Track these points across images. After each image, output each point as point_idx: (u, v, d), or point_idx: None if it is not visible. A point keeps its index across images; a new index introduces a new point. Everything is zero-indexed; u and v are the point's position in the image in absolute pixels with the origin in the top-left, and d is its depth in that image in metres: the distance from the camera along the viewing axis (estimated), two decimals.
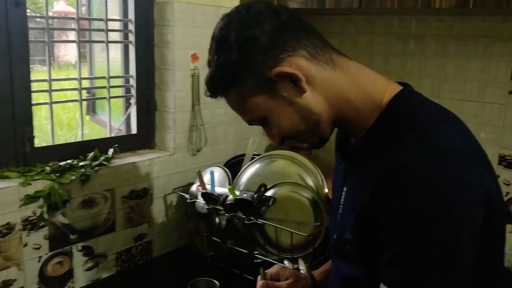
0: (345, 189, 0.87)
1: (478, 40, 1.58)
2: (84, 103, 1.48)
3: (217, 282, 1.25)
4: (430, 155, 0.69)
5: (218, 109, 1.72)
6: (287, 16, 0.79)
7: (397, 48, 1.76)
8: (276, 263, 1.34)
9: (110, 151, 1.45)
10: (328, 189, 1.42)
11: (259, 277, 1.10)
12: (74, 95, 1.45)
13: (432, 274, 0.67)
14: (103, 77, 1.53)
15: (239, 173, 1.48)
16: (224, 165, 1.66)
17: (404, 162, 0.69)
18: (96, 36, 1.70)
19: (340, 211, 0.88)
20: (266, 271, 1.11)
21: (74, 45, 1.44)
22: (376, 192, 0.72)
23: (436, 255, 0.67)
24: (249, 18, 0.77)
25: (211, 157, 1.72)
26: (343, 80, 0.81)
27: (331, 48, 0.82)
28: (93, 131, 2.19)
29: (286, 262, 1.35)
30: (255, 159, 1.49)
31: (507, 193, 1.57)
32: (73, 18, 1.41)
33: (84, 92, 1.47)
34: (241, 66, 0.78)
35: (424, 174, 0.68)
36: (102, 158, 1.41)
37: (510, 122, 1.55)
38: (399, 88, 0.82)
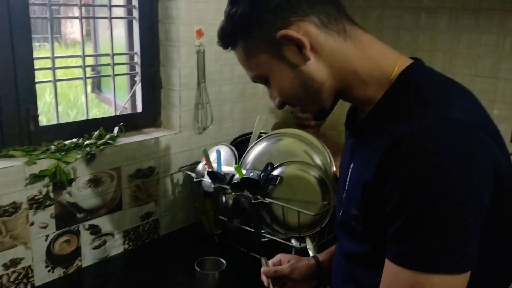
0: (352, 165, 0.85)
1: (492, 13, 1.52)
2: (89, 81, 1.46)
3: (223, 261, 1.25)
4: (434, 127, 0.67)
5: (224, 87, 1.69)
6: None
7: (408, 22, 1.71)
8: (282, 242, 1.34)
9: (115, 129, 1.44)
10: (336, 168, 1.40)
11: (262, 268, 1.09)
12: (79, 72, 1.43)
13: (437, 247, 0.65)
14: (107, 54, 1.50)
15: (245, 152, 1.46)
16: (231, 144, 1.64)
17: (408, 134, 0.68)
18: (100, 13, 1.67)
19: (346, 188, 0.86)
20: (268, 260, 1.10)
21: (78, 22, 1.41)
22: (380, 166, 0.71)
23: (441, 228, 0.65)
24: None
25: (217, 135, 1.70)
26: (352, 51, 0.78)
27: (347, 19, 0.80)
28: (102, 110, 2.18)
29: (293, 241, 1.34)
30: (262, 137, 1.47)
31: None
32: None
33: (88, 69, 1.44)
34: (250, 20, 0.77)
35: (428, 146, 0.65)
36: (108, 137, 1.39)
37: None
38: (410, 62, 0.79)
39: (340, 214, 0.88)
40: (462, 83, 0.79)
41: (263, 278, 1.09)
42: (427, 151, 0.65)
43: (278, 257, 1.11)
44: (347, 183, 0.86)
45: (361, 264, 0.84)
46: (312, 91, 0.80)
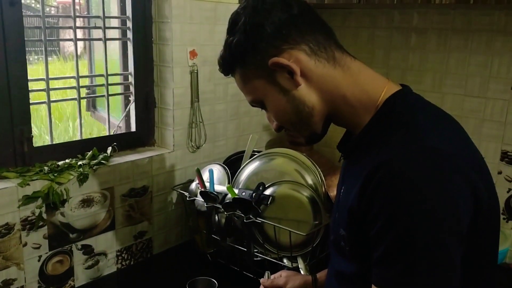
0: (343, 187, 0.88)
1: (480, 34, 1.55)
2: (84, 99, 1.47)
3: (215, 282, 1.25)
4: (414, 153, 0.70)
5: (218, 105, 1.71)
6: (298, 10, 0.82)
7: (399, 42, 1.74)
8: (274, 262, 1.35)
9: (109, 149, 1.45)
10: (327, 187, 1.41)
11: (262, 279, 1.13)
12: (73, 93, 1.45)
13: (419, 273, 0.67)
14: (102, 75, 1.52)
15: (238, 171, 1.48)
16: (224, 162, 1.65)
17: (387, 161, 0.70)
18: (95, 33, 1.69)
19: (337, 209, 0.89)
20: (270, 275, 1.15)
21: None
22: (362, 191, 0.73)
23: (422, 254, 0.67)
24: (261, 6, 0.81)
25: (211, 154, 1.72)
26: (341, 77, 0.82)
27: (336, 47, 0.84)
28: (96, 128, 2.19)
29: (285, 260, 1.35)
30: (254, 156, 1.48)
31: (510, 189, 1.56)
32: (69, 16, 1.40)
33: (84, 89, 1.46)
34: (245, 49, 0.82)
35: (406, 173, 0.68)
36: (101, 157, 1.41)
37: None
38: (397, 88, 0.82)
39: (332, 233, 0.90)
40: (452, 102, 0.82)
41: None
42: (404, 178, 0.68)
43: (280, 272, 1.17)
44: (339, 204, 0.88)
45: (350, 283, 0.86)
46: (304, 115, 0.84)
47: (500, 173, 1.57)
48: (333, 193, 1.40)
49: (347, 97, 0.82)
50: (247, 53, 0.82)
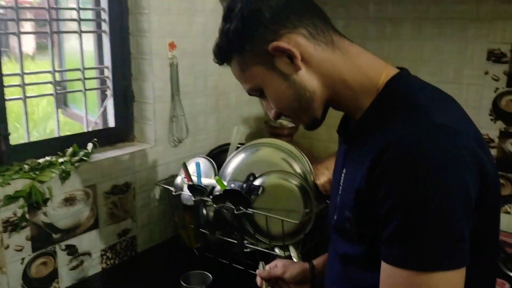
0: (344, 170, 0.88)
1: (454, 22, 1.60)
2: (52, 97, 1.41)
3: (209, 275, 1.23)
4: (422, 131, 0.70)
5: (198, 99, 1.69)
6: None
7: (374, 32, 1.77)
8: (265, 252, 1.34)
9: (90, 146, 1.40)
10: (314, 175, 1.42)
11: (258, 270, 1.11)
12: (46, 88, 1.39)
13: (433, 246, 0.68)
14: (77, 69, 1.46)
15: (224, 163, 1.46)
16: (207, 155, 1.63)
17: (396, 140, 0.71)
18: (64, 27, 1.62)
19: (340, 192, 0.89)
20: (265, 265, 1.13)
21: (31, 36, 1.36)
22: (371, 171, 0.73)
23: (435, 227, 0.67)
24: None
25: (193, 148, 1.69)
26: (340, 61, 0.82)
27: (333, 31, 0.84)
28: (66, 126, 2.11)
29: (277, 250, 1.34)
30: (240, 148, 1.47)
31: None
32: (43, 8, 1.34)
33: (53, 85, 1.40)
34: (243, 35, 0.81)
35: (416, 150, 0.68)
36: (82, 153, 1.35)
37: (486, 102, 1.59)
38: (396, 71, 0.83)
39: (335, 217, 0.90)
40: None
41: (258, 280, 1.10)
42: (414, 155, 0.68)
43: (275, 261, 1.14)
44: (340, 188, 0.88)
45: (356, 265, 0.86)
46: (305, 100, 0.83)
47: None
48: (318, 181, 1.41)
49: (348, 81, 0.82)
50: (246, 39, 0.81)
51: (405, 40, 1.71)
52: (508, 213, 1.61)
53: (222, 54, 0.86)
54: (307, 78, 0.82)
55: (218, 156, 1.64)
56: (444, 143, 0.69)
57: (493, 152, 1.59)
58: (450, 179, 0.68)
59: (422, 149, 0.68)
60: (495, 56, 1.55)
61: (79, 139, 1.41)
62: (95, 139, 1.42)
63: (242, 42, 0.81)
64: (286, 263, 1.12)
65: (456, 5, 1.58)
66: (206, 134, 1.75)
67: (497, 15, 1.53)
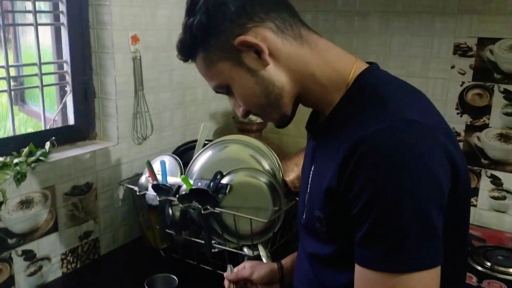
0: (313, 168, 0.85)
1: (421, 16, 1.60)
2: (11, 92, 1.33)
3: (175, 278, 1.19)
4: (393, 127, 0.68)
5: (163, 94, 1.63)
6: None
7: (342, 26, 1.75)
8: (234, 252, 1.31)
9: (47, 145, 1.33)
10: (284, 172, 1.39)
11: (226, 273, 1.07)
12: (1, 84, 1.31)
13: (409, 246, 0.66)
14: (34, 64, 1.38)
15: (191, 161, 1.41)
16: (173, 153, 1.58)
17: (367, 136, 0.68)
18: (22, 19, 1.54)
19: (308, 191, 0.86)
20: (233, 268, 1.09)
21: None
22: (341, 170, 0.71)
23: (408, 229, 0.66)
24: None
25: (158, 145, 1.63)
26: (309, 55, 0.79)
27: (301, 24, 0.81)
28: (28, 123, 2.00)
29: (245, 249, 1.31)
30: (207, 146, 1.43)
31: None
32: None
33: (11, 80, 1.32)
34: (208, 30, 0.78)
35: (388, 146, 0.67)
36: (39, 153, 1.28)
37: (452, 96, 1.60)
38: (365, 66, 0.81)
39: (304, 216, 0.87)
40: None
41: (226, 283, 1.07)
42: (386, 151, 0.66)
43: (243, 263, 1.11)
44: (309, 186, 0.86)
45: (325, 265, 0.83)
46: (273, 97, 0.80)
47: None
48: (287, 178, 1.38)
49: (317, 76, 0.79)
50: (210, 34, 0.78)
51: (373, 34, 1.70)
52: (474, 205, 1.62)
53: (186, 50, 0.82)
54: (275, 74, 0.79)
55: (185, 153, 1.59)
56: (415, 138, 0.67)
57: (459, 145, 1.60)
58: (424, 175, 0.66)
59: (394, 145, 0.66)
60: (461, 50, 1.56)
61: (36, 138, 1.33)
62: (53, 138, 1.35)
63: (207, 37, 0.78)
64: (254, 264, 1.09)
65: None
66: (172, 131, 1.70)
67: (463, 9, 1.53)
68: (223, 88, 0.83)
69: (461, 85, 1.58)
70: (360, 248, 0.70)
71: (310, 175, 0.86)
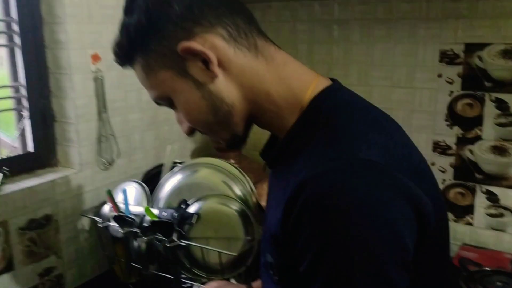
0: (268, 202, 0.74)
1: (403, 22, 1.50)
2: None
3: None
4: (341, 169, 0.56)
5: (131, 115, 1.52)
6: None
7: (322, 35, 1.65)
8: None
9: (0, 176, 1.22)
10: (258, 196, 1.28)
11: None
12: None
13: None
14: None
15: (156, 187, 1.30)
16: (144, 177, 1.48)
17: (310, 179, 0.57)
18: None
19: (264, 229, 0.75)
20: None
21: None
22: (286, 215, 0.60)
23: None
24: None
25: (127, 169, 1.52)
26: (264, 70, 0.68)
27: (258, 33, 0.69)
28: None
29: None
30: (175, 170, 1.32)
31: (444, 180, 1.52)
32: None
33: None
34: (148, 32, 0.66)
35: (333, 195, 0.55)
36: None
37: (441, 107, 1.49)
38: (325, 84, 0.69)
39: (262, 256, 0.76)
40: (379, 94, 0.71)
41: None
42: (333, 200, 0.55)
43: (209, 284, 1.02)
44: (265, 223, 0.74)
45: None
46: (222, 114, 0.69)
47: (433, 164, 1.52)
48: (264, 202, 1.27)
49: (271, 94, 0.68)
50: (150, 37, 0.66)
51: (353, 43, 1.59)
52: (470, 224, 1.50)
53: (123, 54, 0.71)
54: (224, 88, 0.67)
55: (157, 177, 1.48)
56: (368, 184, 0.55)
57: (451, 159, 1.49)
58: (381, 229, 0.54)
59: (341, 193, 0.54)
60: (448, 58, 1.45)
61: None
62: (5, 168, 1.24)
63: (146, 40, 0.67)
64: (221, 284, 1.00)
65: (404, 4, 1.48)
66: (143, 153, 1.59)
67: (447, 14, 1.43)
68: (164, 100, 0.72)
69: (450, 95, 1.47)
70: None
71: (267, 211, 0.74)
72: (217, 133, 0.72)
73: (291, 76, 0.69)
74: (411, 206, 0.56)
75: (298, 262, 0.58)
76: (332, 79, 0.72)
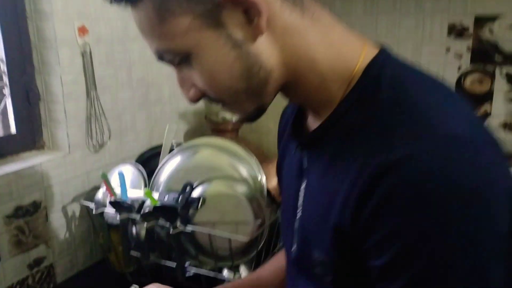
0: (303, 186, 0.65)
1: None
2: None
3: None
4: (436, 148, 0.47)
5: (122, 93, 1.41)
6: None
7: None
8: (212, 275, 1.11)
9: None
10: (266, 177, 1.20)
11: None
12: None
13: None
14: None
15: (156, 170, 1.21)
16: (137, 160, 1.38)
17: (399, 162, 0.48)
18: None
19: (299, 216, 0.65)
20: None
21: None
22: (359, 202, 0.51)
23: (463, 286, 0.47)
24: None
25: (119, 152, 1.42)
26: (311, 32, 0.56)
27: None
28: None
29: (225, 271, 1.12)
30: (174, 151, 1.23)
31: None
32: None
33: None
34: None
35: (430, 179, 0.46)
36: None
37: (449, 82, 1.42)
38: (376, 51, 0.59)
39: (294, 249, 0.66)
40: None
41: None
42: (430, 186, 0.46)
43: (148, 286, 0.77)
44: (299, 210, 0.65)
45: None
46: (256, 82, 0.56)
47: None
48: (270, 184, 1.20)
49: (317, 62, 0.57)
50: None
51: (357, 16, 1.52)
52: None
53: None
54: (264, 50, 0.55)
55: (151, 160, 1.39)
56: (473, 167, 0.47)
57: None
58: (483, 220, 0.47)
59: (440, 178, 0.46)
60: (456, 31, 1.39)
61: None
62: None
63: None
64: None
65: None
66: (135, 135, 1.48)
67: None
68: (176, 56, 0.55)
69: (458, 70, 1.41)
70: None
71: (301, 196, 0.65)
72: (241, 103, 0.59)
73: (340, 41, 0.58)
74: (509, 189, 0.49)
75: (369, 257, 0.51)
76: (380, 44, 0.63)
